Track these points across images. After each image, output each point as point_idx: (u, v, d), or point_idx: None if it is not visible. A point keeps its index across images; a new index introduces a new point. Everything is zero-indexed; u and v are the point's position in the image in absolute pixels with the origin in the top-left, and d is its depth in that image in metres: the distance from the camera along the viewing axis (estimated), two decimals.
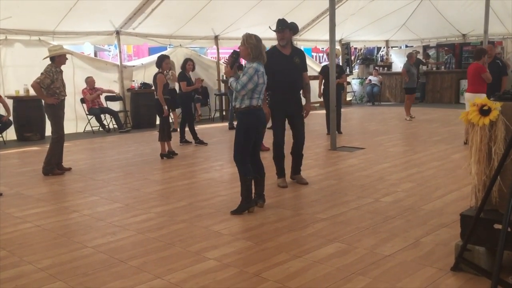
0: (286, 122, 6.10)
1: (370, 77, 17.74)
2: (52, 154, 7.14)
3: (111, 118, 12.23)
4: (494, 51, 9.62)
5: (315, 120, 12.25)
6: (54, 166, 7.18)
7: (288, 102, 5.94)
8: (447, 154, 7.88)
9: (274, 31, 5.92)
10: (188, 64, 9.54)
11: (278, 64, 5.86)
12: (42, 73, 6.97)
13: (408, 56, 13.30)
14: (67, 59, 7.22)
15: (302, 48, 16.82)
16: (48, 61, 7.09)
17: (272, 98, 5.99)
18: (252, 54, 4.92)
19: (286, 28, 5.84)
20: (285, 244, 4.10)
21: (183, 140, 9.64)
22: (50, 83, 6.93)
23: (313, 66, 16.32)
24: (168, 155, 8.22)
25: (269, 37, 13.83)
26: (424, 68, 17.22)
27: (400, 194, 5.55)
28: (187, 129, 9.58)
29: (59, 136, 7.15)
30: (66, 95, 7.23)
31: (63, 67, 7.18)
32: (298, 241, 4.17)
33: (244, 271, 3.56)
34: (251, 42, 4.92)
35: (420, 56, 18.02)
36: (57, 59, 7.02)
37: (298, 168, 6.27)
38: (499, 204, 3.31)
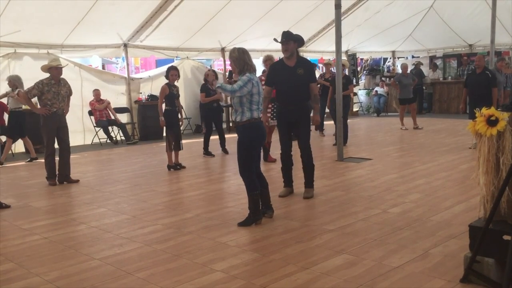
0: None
1: (376, 88, 17.74)
2: (45, 165, 7.32)
3: (119, 130, 12.29)
4: (483, 62, 9.33)
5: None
6: (53, 176, 7.33)
7: (291, 113, 5.95)
8: (455, 165, 7.84)
9: (278, 42, 5.93)
10: (207, 75, 9.79)
11: (280, 75, 5.96)
12: (33, 84, 7.21)
13: (401, 67, 13.27)
14: (58, 71, 7.21)
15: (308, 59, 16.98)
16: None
17: (277, 108, 6.13)
18: (237, 68, 4.96)
19: (290, 40, 5.82)
20: (293, 255, 4.08)
21: (207, 152, 9.71)
22: (39, 94, 7.13)
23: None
24: (175, 166, 8.23)
25: (275, 49, 14.01)
26: (436, 77, 17.20)
27: (408, 205, 5.52)
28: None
29: (47, 148, 7.30)
30: (59, 108, 7.23)
31: (72, 80, 7.31)
32: (306, 253, 4.15)
33: (251, 283, 3.55)
34: (233, 56, 4.97)
35: (426, 67, 18.03)
36: (50, 71, 7.17)
37: (308, 181, 6.12)
38: (508, 215, 3.29)
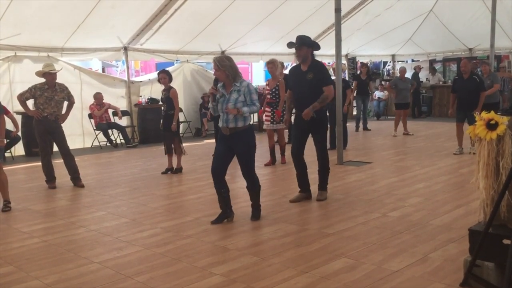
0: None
1: (376, 92, 17.73)
2: (42, 168, 7.38)
3: (119, 133, 12.28)
4: (469, 67, 9.13)
5: None
6: (51, 179, 7.34)
7: (300, 117, 5.94)
8: (455, 169, 7.84)
9: (291, 48, 5.92)
10: None
11: (293, 79, 6.07)
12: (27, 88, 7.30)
13: (399, 70, 13.12)
14: (51, 76, 7.18)
15: None
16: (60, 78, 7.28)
17: (295, 112, 6.15)
18: (231, 75, 4.94)
19: (302, 45, 5.82)
20: (292, 259, 4.08)
21: None
22: (32, 98, 7.23)
23: None
24: (167, 170, 8.16)
25: (275, 52, 14.09)
26: (436, 80, 17.22)
27: (407, 209, 5.52)
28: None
29: (40, 151, 7.38)
30: (50, 113, 7.18)
31: (72, 83, 7.30)
32: (305, 257, 4.14)
33: (250, 287, 3.54)
34: (225, 65, 4.93)
35: (426, 71, 18.06)
36: (44, 77, 7.20)
37: (320, 183, 6.15)
38: (508, 219, 3.29)
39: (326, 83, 5.97)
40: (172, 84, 8.21)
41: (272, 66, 8.49)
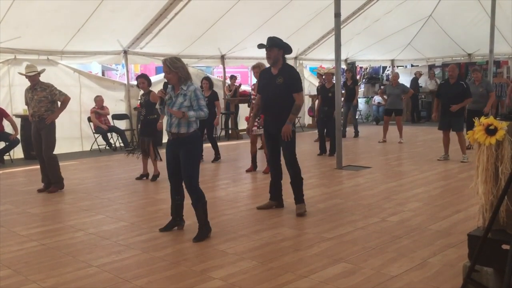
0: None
1: (375, 97, 17.76)
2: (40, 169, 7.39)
3: (118, 137, 12.27)
4: (457, 72, 9.01)
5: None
6: (47, 181, 7.29)
7: (269, 122, 5.74)
8: (454, 174, 7.84)
9: (262, 48, 5.58)
10: (204, 82, 9.58)
11: (262, 83, 5.78)
12: None
13: (392, 76, 13.10)
14: (29, 78, 7.06)
15: (307, 67, 16.93)
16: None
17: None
18: (183, 76, 4.75)
19: (273, 47, 5.50)
20: (291, 264, 4.07)
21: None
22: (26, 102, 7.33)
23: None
24: (140, 177, 8.06)
25: None
26: (434, 85, 17.26)
27: (406, 214, 5.51)
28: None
29: (35, 152, 7.39)
30: (32, 113, 7.06)
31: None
32: (304, 261, 4.14)
33: None
34: (178, 66, 4.72)
35: (425, 76, 18.09)
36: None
37: (297, 196, 5.70)
38: (507, 224, 3.29)
39: (297, 89, 5.56)
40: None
41: (258, 70, 8.18)
